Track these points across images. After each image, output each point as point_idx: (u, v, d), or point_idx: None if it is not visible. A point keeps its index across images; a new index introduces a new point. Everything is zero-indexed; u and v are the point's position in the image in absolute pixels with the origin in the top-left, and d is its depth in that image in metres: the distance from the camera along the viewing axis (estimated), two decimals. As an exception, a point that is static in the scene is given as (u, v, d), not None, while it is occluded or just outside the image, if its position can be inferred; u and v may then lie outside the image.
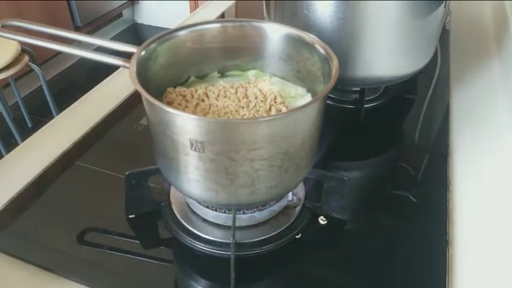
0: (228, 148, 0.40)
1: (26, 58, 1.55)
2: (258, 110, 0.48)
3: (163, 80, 0.52)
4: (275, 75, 0.56)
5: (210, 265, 0.50)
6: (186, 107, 0.49)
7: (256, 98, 0.50)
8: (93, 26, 2.51)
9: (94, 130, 0.69)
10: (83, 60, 2.38)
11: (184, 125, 0.40)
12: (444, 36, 0.91)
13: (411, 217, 0.57)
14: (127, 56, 0.47)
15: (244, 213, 0.51)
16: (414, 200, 0.59)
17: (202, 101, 0.49)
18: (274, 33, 0.53)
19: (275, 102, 0.49)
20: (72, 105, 0.75)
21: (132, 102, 0.75)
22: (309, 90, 0.53)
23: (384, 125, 0.74)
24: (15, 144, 0.69)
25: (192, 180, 0.44)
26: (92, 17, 2.48)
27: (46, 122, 0.70)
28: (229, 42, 0.55)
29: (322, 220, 0.54)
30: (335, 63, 0.46)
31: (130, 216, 0.54)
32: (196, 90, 0.51)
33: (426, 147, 0.69)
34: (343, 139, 0.68)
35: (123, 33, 2.86)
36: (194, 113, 0.47)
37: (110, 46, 0.51)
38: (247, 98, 0.50)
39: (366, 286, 0.49)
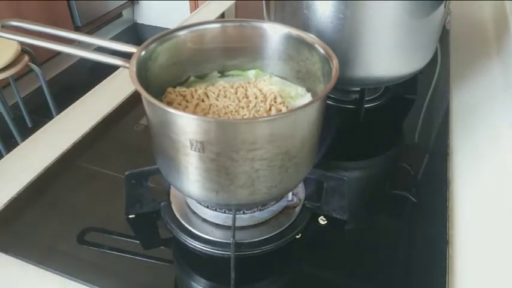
0: (228, 148, 0.40)
1: (26, 58, 1.54)
2: (258, 110, 0.48)
3: (163, 80, 0.52)
4: (275, 75, 0.56)
5: (210, 265, 0.50)
6: (186, 107, 0.49)
7: (256, 98, 0.50)
8: (93, 26, 2.51)
9: (94, 130, 0.69)
10: (83, 60, 2.38)
11: (184, 125, 0.40)
12: (444, 36, 0.91)
13: (411, 217, 0.57)
14: (127, 56, 0.47)
15: (244, 213, 0.51)
16: (414, 200, 0.59)
17: (202, 101, 0.49)
18: (274, 33, 0.53)
19: (275, 102, 0.49)
20: (72, 105, 0.75)
21: (132, 102, 0.75)
22: (309, 90, 0.53)
23: (384, 125, 0.74)
24: (15, 144, 0.69)
25: (192, 180, 0.44)
26: (92, 17, 2.48)
27: (46, 122, 0.70)
28: (229, 42, 0.55)
29: (322, 220, 0.54)
30: (335, 63, 0.46)
31: (130, 216, 0.54)
32: (196, 90, 0.51)
33: (426, 147, 0.69)
34: (343, 139, 0.68)
35: (123, 33, 2.86)
36: (194, 113, 0.47)
37: (110, 46, 0.51)
38: (247, 98, 0.50)
39: (366, 286, 0.49)
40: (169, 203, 0.54)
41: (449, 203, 0.57)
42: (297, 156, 0.44)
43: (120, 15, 2.80)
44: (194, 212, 0.53)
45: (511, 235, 0.54)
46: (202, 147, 0.40)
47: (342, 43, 0.60)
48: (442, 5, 0.61)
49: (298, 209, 0.54)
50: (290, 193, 0.54)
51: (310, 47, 0.50)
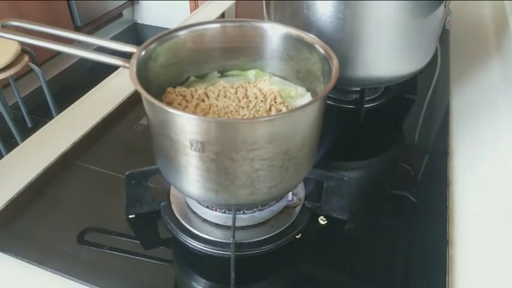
0: (228, 148, 0.40)
1: (26, 58, 1.54)
2: (258, 110, 0.48)
3: (163, 80, 0.52)
4: (275, 75, 0.56)
5: (210, 265, 0.50)
6: (186, 107, 0.49)
7: (256, 98, 0.50)
8: (93, 26, 2.51)
9: (94, 130, 0.69)
10: (83, 60, 2.38)
11: (184, 125, 0.40)
12: (444, 36, 0.91)
13: (411, 217, 0.57)
14: (127, 56, 0.47)
15: (244, 213, 0.51)
16: (414, 200, 0.59)
17: (202, 101, 0.49)
18: (274, 33, 0.53)
19: (275, 102, 0.49)
20: (72, 105, 0.75)
21: (132, 102, 0.75)
22: (309, 90, 0.53)
23: (384, 125, 0.74)
24: (15, 144, 0.69)
25: (192, 180, 0.44)
26: (92, 17, 2.48)
27: (46, 122, 0.70)
28: (229, 42, 0.55)
29: (322, 220, 0.54)
30: (335, 63, 0.46)
31: (130, 216, 0.54)
32: (196, 90, 0.51)
33: (426, 147, 0.69)
34: (343, 139, 0.68)
35: (123, 33, 2.86)
36: (194, 113, 0.47)
37: (110, 46, 0.51)
38: (247, 98, 0.50)
39: (366, 286, 0.49)
40: (169, 203, 0.54)
41: (449, 203, 0.57)
42: (297, 156, 0.44)
43: (120, 15, 2.80)
44: (194, 212, 0.53)
45: (511, 235, 0.54)
46: (202, 147, 0.40)
47: (342, 43, 0.60)
48: (442, 5, 0.61)
49: (298, 209, 0.54)
50: (290, 193, 0.54)
51: (310, 47, 0.50)
